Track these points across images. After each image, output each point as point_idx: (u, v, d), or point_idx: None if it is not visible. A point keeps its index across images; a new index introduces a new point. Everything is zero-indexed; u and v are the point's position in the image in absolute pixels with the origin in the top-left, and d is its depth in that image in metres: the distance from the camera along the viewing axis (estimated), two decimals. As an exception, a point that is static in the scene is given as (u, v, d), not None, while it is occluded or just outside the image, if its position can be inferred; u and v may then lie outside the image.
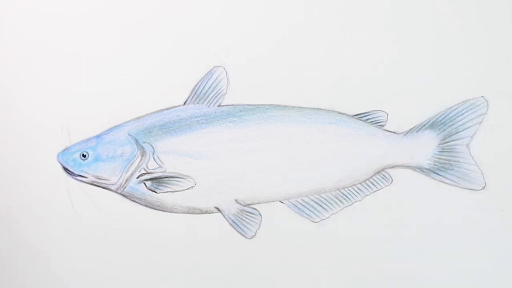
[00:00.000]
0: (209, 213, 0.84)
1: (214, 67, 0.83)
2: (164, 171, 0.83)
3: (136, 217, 0.86)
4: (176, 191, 0.83)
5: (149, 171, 0.83)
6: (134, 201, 0.85)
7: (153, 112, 0.84)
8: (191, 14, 0.83)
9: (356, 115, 0.82)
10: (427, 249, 0.82)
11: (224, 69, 0.82)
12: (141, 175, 0.83)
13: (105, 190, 0.85)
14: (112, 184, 0.84)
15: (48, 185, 0.87)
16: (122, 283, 0.88)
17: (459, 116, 0.80)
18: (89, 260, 0.88)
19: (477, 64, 0.80)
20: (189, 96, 0.83)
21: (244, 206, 0.84)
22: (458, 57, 0.80)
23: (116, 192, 0.85)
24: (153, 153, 0.83)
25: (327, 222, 0.83)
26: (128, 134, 0.84)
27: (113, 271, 0.88)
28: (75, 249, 0.88)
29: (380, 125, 0.82)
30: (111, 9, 0.85)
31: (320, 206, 0.83)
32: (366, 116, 0.82)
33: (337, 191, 0.83)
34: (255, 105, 0.82)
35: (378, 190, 0.82)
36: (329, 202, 0.83)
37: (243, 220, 0.84)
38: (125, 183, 0.84)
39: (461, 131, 0.80)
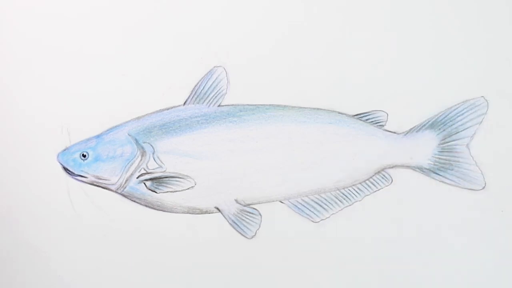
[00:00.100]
0: (209, 213, 0.84)
1: (214, 67, 0.83)
2: (164, 171, 0.83)
3: (136, 217, 0.86)
4: (176, 191, 0.83)
5: (149, 171, 0.83)
6: (134, 201, 0.85)
7: (153, 112, 0.84)
8: (191, 14, 0.83)
9: (356, 115, 0.82)
10: (427, 249, 0.82)
11: (224, 69, 0.82)
12: (141, 175, 0.83)
13: (105, 190, 0.85)
14: (112, 184, 0.84)
15: (48, 185, 0.87)
16: (122, 283, 0.88)
17: (459, 116, 0.80)
18: (89, 260, 0.88)
19: (477, 64, 0.80)
20: (189, 96, 0.83)
21: (244, 206, 0.84)
22: (458, 57, 0.80)
23: (116, 192, 0.85)
24: (153, 153, 0.83)
25: (327, 222, 0.83)
26: (128, 134, 0.84)
27: (113, 271, 0.88)
28: (75, 249, 0.88)
29: (380, 125, 0.82)
30: (111, 9, 0.85)
31: (320, 206, 0.83)
32: (366, 116, 0.82)
33: (337, 191, 0.83)
34: (255, 105, 0.82)
35: (378, 190, 0.82)
36: (329, 202, 0.83)
37: (243, 220, 0.84)
38: (125, 183, 0.84)
39: (461, 131, 0.80)
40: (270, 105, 0.82)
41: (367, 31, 0.81)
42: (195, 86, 0.83)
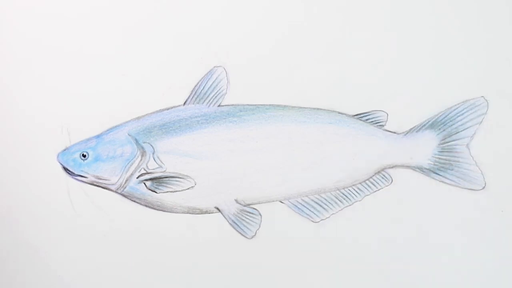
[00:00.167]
0: (209, 213, 0.84)
1: (214, 67, 0.83)
2: (164, 171, 0.83)
3: (136, 217, 0.86)
4: (176, 191, 0.83)
5: (149, 171, 0.83)
6: (134, 201, 0.85)
7: (153, 112, 0.84)
8: (191, 14, 0.83)
9: (356, 115, 0.82)
10: (427, 249, 0.82)
11: (224, 69, 0.82)
12: (141, 175, 0.83)
13: (105, 190, 0.85)
14: (112, 184, 0.84)
15: (48, 185, 0.87)
16: (122, 283, 0.88)
17: (459, 116, 0.80)
18: (89, 260, 0.88)
19: (477, 64, 0.80)
20: (189, 96, 0.83)
21: (244, 206, 0.84)
22: (458, 57, 0.80)
23: (116, 192, 0.85)
24: (153, 153, 0.83)
25: (327, 222, 0.83)
26: (128, 134, 0.84)
27: (113, 271, 0.88)
28: (75, 249, 0.88)
29: (380, 125, 0.82)
30: (111, 9, 0.85)
31: (320, 206, 0.83)
32: (366, 116, 0.82)
33: (337, 191, 0.83)
34: (255, 105, 0.82)
35: (378, 190, 0.82)
36: (329, 202, 0.83)
37: (243, 220, 0.84)
38: (125, 183, 0.84)
39: (461, 131, 0.80)
40: (270, 105, 0.82)
41: (367, 31, 0.81)
42: (195, 86, 0.83)
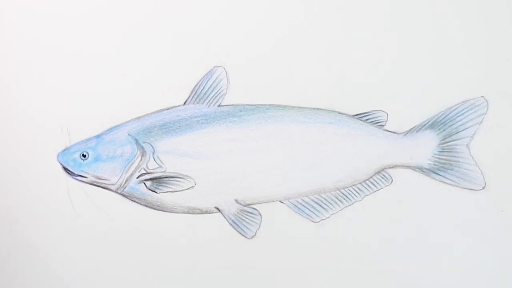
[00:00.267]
0: (209, 213, 0.84)
1: (214, 67, 0.83)
2: (164, 171, 0.83)
3: (136, 217, 0.86)
4: (176, 191, 0.83)
5: (149, 171, 0.83)
6: (134, 201, 0.85)
7: (153, 112, 0.84)
8: (191, 14, 0.83)
9: (356, 115, 0.82)
10: (427, 249, 0.82)
11: (224, 69, 0.82)
12: (141, 175, 0.83)
13: (105, 190, 0.85)
14: (112, 184, 0.84)
15: (48, 185, 0.87)
16: (122, 283, 0.88)
17: (459, 116, 0.80)
18: (89, 260, 0.88)
19: (477, 64, 0.80)
20: (189, 96, 0.83)
21: (244, 206, 0.84)
22: (458, 57, 0.80)
23: (116, 192, 0.85)
24: (153, 153, 0.83)
25: (327, 222, 0.83)
26: (128, 134, 0.84)
27: (113, 271, 0.88)
28: (75, 249, 0.88)
29: (380, 125, 0.82)
30: (111, 9, 0.85)
31: (320, 206, 0.83)
32: (366, 116, 0.82)
33: (337, 191, 0.83)
34: (255, 105, 0.82)
35: (378, 190, 0.82)
36: (329, 202, 0.83)
37: (243, 220, 0.84)
38: (125, 183, 0.84)
39: (461, 131, 0.80)
40: (270, 105, 0.82)
41: (367, 31, 0.81)
42: (195, 86, 0.83)
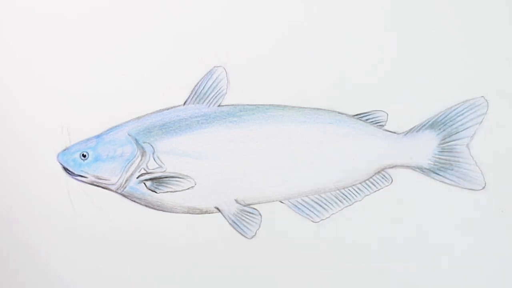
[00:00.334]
0: (209, 213, 0.84)
1: (214, 67, 0.83)
2: (164, 171, 0.83)
3: (136, 217, 0.86)
4: (176, 191, 0.83)
5: (149, 171, 0.83)
6: (134, 201, 0.85)
7: (153, 112, 0.84)
8: (191, 14, 0.83)
9: (356, 115, 0.82)
10: (427, 249, 0.82)
11: (224, 69, 0.82)
12: (141, 175, 0.83)
13: (105, 190, 0.85)
14: (112, 184, 0.84)
15: (48, 185, 0.87)
16: (122, 283, 0.88)
17: (459, 116, 0.80)
18: (89, 260, 0.88)
19: (477, 64, 0.80)
20: (189, 96, 0.83)
21: (244, 206, 0.84)
22: (458, 57, 0.80)
23: (116, 192, 0.85)
24: (153, 153, 0.83)
25: (327, 222, 0.83)
26: (128, 134, 0.84)
27: (113, 271, 0.88)
28: (75, 249, 0.88)
29: (380, 125, 0.82)
30: (111, 9, 0.85)
31: (320, 206, 0.83)
32: (366, 116, 0.82)
33: (337, 191, 0.83)
34: (255, 105, 0.82)
35: (378, 190, 0.82)
36: (329, 202, 0.83)
37: (243, 220, 0.84)
38: (125, 183, 0.84)
39: (461, 131, 0.80)
40: (270, 105, 0.82)
41: (367, 31, 0.81)
42: (195, 86, 0.83)
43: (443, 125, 0.80)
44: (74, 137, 0.86)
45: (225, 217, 0.84)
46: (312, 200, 0.83)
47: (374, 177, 0.82)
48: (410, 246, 0.82)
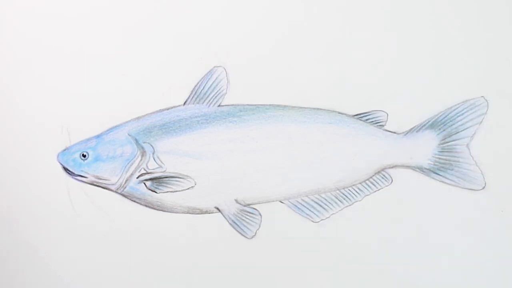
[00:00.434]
0: (209, 213, 0.84)
1: (214, 67, 0.83)
2: (164, 171, 0.83)
3: (136, 217, 0.86)
4: (176, 191, 0.83)
5: (149, 171, 0.83)
6: (134, 201, 0.85)
7: (153, 112, 0.84)
8: (191, 14, 0.83)
9: (356, 115, 0.82)
10: (427, 249, 0.82)
11: (224, 69, 0.82)
12: (141, 175, 0.83)
13: (105, 190, 0.85)
14: (112, 184, 0.84)
15: (48, 185, 0.87)
16: (122, 283, 0.88)
17: (459, 116, 0.80)
18: (89, 260, 0.88)
19: (477, 64, 0.80)
20: (189, 96, 0.83)
21: (244, 206, 0.84)
22: (458, 57, 0.80)
23: (116, 192, 0.85)
24: (153, 153, 0.83)
25: (327, 222, 0.83)
26: (128, 134, 0.84)
27: (113, 271, 0.88)
28: (75, 249, 0.88)
29: (380, 125, 0.82)
30: (111, 9, 0.85)
31: (320, 206, 0.83)
32: (366, 116, 0.82)
33: (337, 191, 0.83)
34: (255, 105, 0.82)
35: (378, 190, 0.82)
36: (329, 202, 0.83)
37: (243, 220, 0.84)
38: (125, 183, 0.84)
39: (461, 131, 0.80)
40: (270, 105, 0.82)
41: (367, 31, 0.81)
42: (195, 86, 0.83)
43: (443, 125, 0.80)
44: (74, 137, 0.86)
45: (225, 217, 0.84)
46: (312, 200, 0.83)
47: (374, 177, 0.82)
48: (410, 246, 0.82)
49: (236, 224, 0.84)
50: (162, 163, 0.83)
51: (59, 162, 0.85)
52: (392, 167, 0.82)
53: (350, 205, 0.83)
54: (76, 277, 0.89)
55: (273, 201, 0.83)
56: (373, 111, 0.81)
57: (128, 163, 0.83)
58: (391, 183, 0.82)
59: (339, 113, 0.82)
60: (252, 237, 0.84)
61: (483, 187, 0.80)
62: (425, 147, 0.81)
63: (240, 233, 0.84)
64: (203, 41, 0.83)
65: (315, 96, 0.82)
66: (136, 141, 0.83)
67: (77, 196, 0.87)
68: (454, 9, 0.80)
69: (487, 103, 0.79)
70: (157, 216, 0.85)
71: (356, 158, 0.82)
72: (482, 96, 0.79)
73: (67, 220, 0.88)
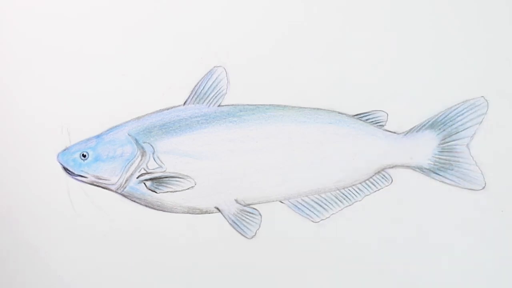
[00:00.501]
0: (209, 213, 0.84)
1: (214, 67, 0.83)
2: (164, 171, 0.83)
3: (136, 217, 0.86)
4: (176, 191, 0.83)
5: (149, 171, 0.83)
6: (134, 201, 0.85)
7: (153, 112, 0.84)
8: (191, 14, 0.83)
9: (356, 115, 0.82)
10: (427, 249, 0.82)
11: (224, 69, 0.82)
12: (141, 175, 0.83)
13: (105, 190, 0.85)
14: (112, 184, 0.84)
15: (48, 185, 0.87)
16: (122, 283, 0.88)
17: (459, 116, 0.80)
18: (89, 260, 0.88)
19: (477, 64, 0.80)
20: (189, 96, 0.83)
21: (244, 206, 0.84)
22: (458, 57, 0.80)
23: (116, 192, 0.85)
24: (153, 153, 0.83)
25: (327, 222, 0.83)
26: (128, 134, 0.84)
27: (113, 271, 0.88)
28: (75, 249, 0.88)
29: (380, 125, 0.82)
30: (111, 9, 0.85)
31: (320, 206, 0.83)
32: (366, 116, 0.82)
33: (337, 191, 0.83)
34: (255, 105, 0.82)
35: (378, 190, 0.82)
36: (329, 202, 0.83)
37: (243, 220, 0.84)
38: (125, 183, 0.84)
39: (461, 131, 0.80)
40: (270, 105, 0.82)
41: (367, 31, 0.81)
42: (195, 86, 0.83)
43: (443, 125, 0.80)
44: (74, 137, 0.86)
45: (225, 217, 0.84)
46: (312, 200, 0.83)
47: (374, 177, 0.82)
48: (410, 246, 0.82)
49: (236, 224, 0.84)
50: (162, 163, 0.83)
51: (59, 162, 0.85)
52: (392, 167, 0.82)
53: (350, 205, 0.83)
54: (76, 277, 0.89)
55: (273, 201, 0.83)
56: (373, 111, 0.81)
57: (128, 163, 0.83)
58: (391, 183, 0.82)
59: (339, 113, 0.82)
60: (252, 237, 0.84)
61: (483, 187, 0.80)
62: (425, 147, 0.81)
63: (240, 233, 0.84)
64: (203, 41, 0.83)
65: (315, 96, 0.82)
66: (136, 141, 0.83)
67: (77, 196, 0.87)
68: (454, 9, 0.80)
69: (487, 103, 0.79)
70: (157, 216, 0.85)
71: (356, 158, 0.82)
72: (482, 96, 0.79)
73: (67, 220, 0.88)
